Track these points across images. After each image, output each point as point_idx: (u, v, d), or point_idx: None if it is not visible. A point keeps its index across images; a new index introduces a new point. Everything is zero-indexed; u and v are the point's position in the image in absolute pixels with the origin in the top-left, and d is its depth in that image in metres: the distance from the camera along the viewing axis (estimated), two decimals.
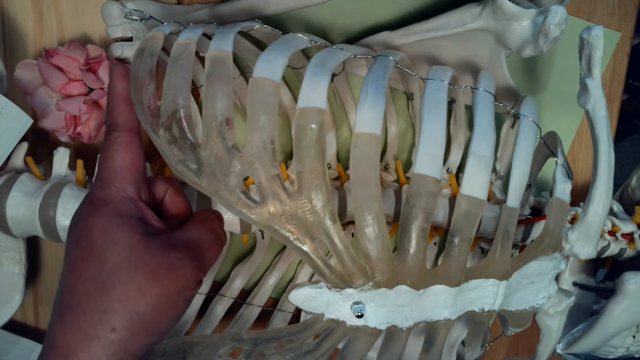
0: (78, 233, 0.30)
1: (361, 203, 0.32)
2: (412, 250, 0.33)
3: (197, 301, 0.48)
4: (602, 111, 0.36)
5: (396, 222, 0.46)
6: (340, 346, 0.36)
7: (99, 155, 0.33)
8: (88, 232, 0.30)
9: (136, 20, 0.43)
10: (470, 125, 0.43)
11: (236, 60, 0.47)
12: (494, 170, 0.47)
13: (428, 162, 0.33)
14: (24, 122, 0.41)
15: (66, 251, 0.31)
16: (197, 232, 0.33)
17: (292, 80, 0.48)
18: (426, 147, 0.33)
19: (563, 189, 0.38)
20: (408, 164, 0.51)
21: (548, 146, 0.41)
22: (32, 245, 0.50)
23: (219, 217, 0.36)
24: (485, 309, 0.37)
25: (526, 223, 0.44)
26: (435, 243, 0.51)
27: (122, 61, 0.44)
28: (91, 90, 0.43)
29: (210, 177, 0.32)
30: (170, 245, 0.31)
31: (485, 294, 0.36)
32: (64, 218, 0.39)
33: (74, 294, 0.29)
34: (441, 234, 0.50)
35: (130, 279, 0.29)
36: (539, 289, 0.39)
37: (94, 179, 0.32)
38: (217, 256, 0.34)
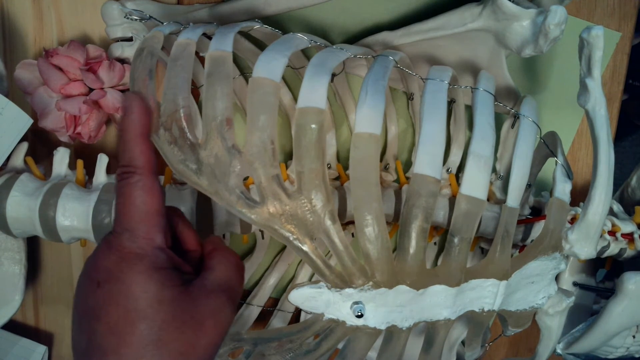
0: (112, 291, 0.28)
1: (361, 203, 0.32)
2: (412, 250, 0.33)
3: None
4: (602, 111, 0.36)
5: (396, 222, 0.46)
6: (340, 346, 0.36)
7: (117, 200, 0.30)
8: (127, 290, 0.28)
9: (136, 20, 0.43)
10: (470, 125, 0.43)
11: (236, 60, 0.47)
12: (494, 170, 0.47)
13: (428, 162, 0.33)
14: (24, 122, 0.41)
15: (92, 306, 0.28)
16: (226, 272, 0.32)
17: (292, 80, 0.48)
18: (426, 147, 0.33)
19: (563, 189, 0.38)
20: (408, 164, 0.51)
21: (548, 146, 0.41)
22: (32, 245, 0.50)
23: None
24: (485, 309, 0.37)
25: (526, 223, 0.44)
26: (435, 243, 0.51)
27: (121, 61, 0.44)
28: (91, 90, 0.43)
29: (210, 177, 0.32)
30: (208, 292, 0.30)
31: (485, 294, 0.36)
32: (63, 218, 0.39)
33: (122, 357, 0.27)
34: (441, 234, 0.50)
35: (180, 334, 0.28)
36: (539, 289, 0.39)
37: (115, 226, 0.30)
38: (243, 287, 0.34)
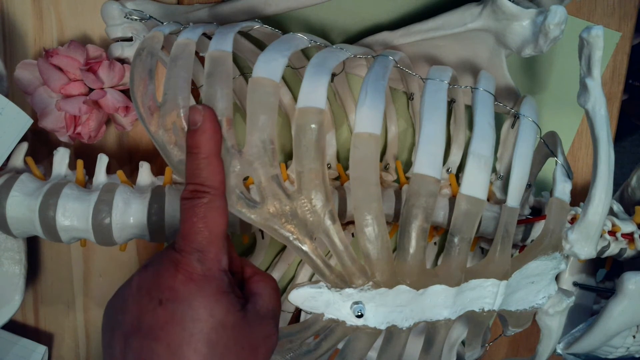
0: (177, 312, 0.28)
1: (361, 203, 0.32)
2: (411, 250, 0.33)
3: None
4: (602, 111, 0.36)
5: (396, 222, 0.46)
6: (340, 346, 0.36)
7: (186, 218, 0.29)
8: (193, 312, 0.28)
9: (136, 20, 0.43)
10: (470, 125, 0.43)
11: (236, 60, 0.47)
12: (494, 170, 0.47)
13: (428, 162, 0.33)
14: (24, 122, 0.41)
15: (150, 324, 0.28)
16: (272, 298, 0.32)
17: (292, 80, 0.48)
18: (426, 147, 0.33)
19: (563, 189, 0.38)
20: (408, 164, 0.51)
21: (548, 146, 0.41)
22: (32, 245, 0.50)
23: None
24: (485, 309, 0.37)
25: (526, 223, 0.44)
26: (435, 243, 0.51)
27: (121, 61, 0.44)
28: (91, 90, 0.43)
29: None
30: (261, 318, 0.30)
31: (485, 294, 0.36)
32: (63, 218, 0.39)
33: None
34: (441, 234, 0.50)
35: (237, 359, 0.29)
36: (539, 289, 0.39)
37: (183, 245, 0.29)
38: None
